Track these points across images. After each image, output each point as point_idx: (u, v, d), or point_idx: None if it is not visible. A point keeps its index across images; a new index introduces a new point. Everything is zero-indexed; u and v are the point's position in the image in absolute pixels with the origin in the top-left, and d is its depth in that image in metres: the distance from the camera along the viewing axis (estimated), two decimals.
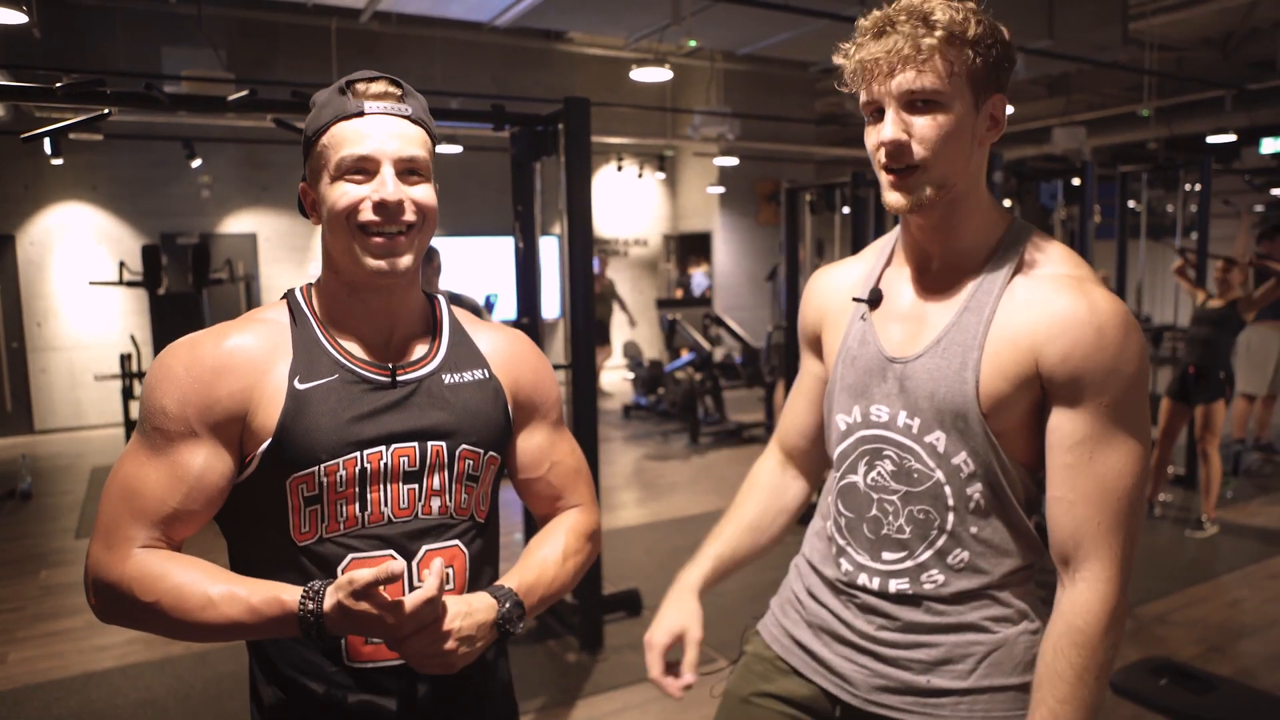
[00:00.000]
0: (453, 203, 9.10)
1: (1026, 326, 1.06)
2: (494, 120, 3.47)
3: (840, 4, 6.51)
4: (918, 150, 1.06)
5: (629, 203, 11.71)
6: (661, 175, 11.62)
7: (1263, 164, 11.04)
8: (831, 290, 1.31)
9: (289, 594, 0.96)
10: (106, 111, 2.97)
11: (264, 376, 1.03)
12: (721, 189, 11.41)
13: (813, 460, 1.42)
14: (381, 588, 0.92)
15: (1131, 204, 5.49)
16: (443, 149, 7.33)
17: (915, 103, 1.05)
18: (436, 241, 3.76)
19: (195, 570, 0.98)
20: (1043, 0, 7.60)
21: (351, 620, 0.93)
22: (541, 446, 1.24)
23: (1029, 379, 1.07)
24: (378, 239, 1.02)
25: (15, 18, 4.40)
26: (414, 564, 1.06)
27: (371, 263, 1.03)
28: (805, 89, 11.98)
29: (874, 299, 1.21)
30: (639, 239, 11.93)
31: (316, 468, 1.02)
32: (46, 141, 3.22)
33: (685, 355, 8.35)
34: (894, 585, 1.16)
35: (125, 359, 6.23)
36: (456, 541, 1.10)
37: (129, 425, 6.32)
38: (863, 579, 1.19)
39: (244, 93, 2.87)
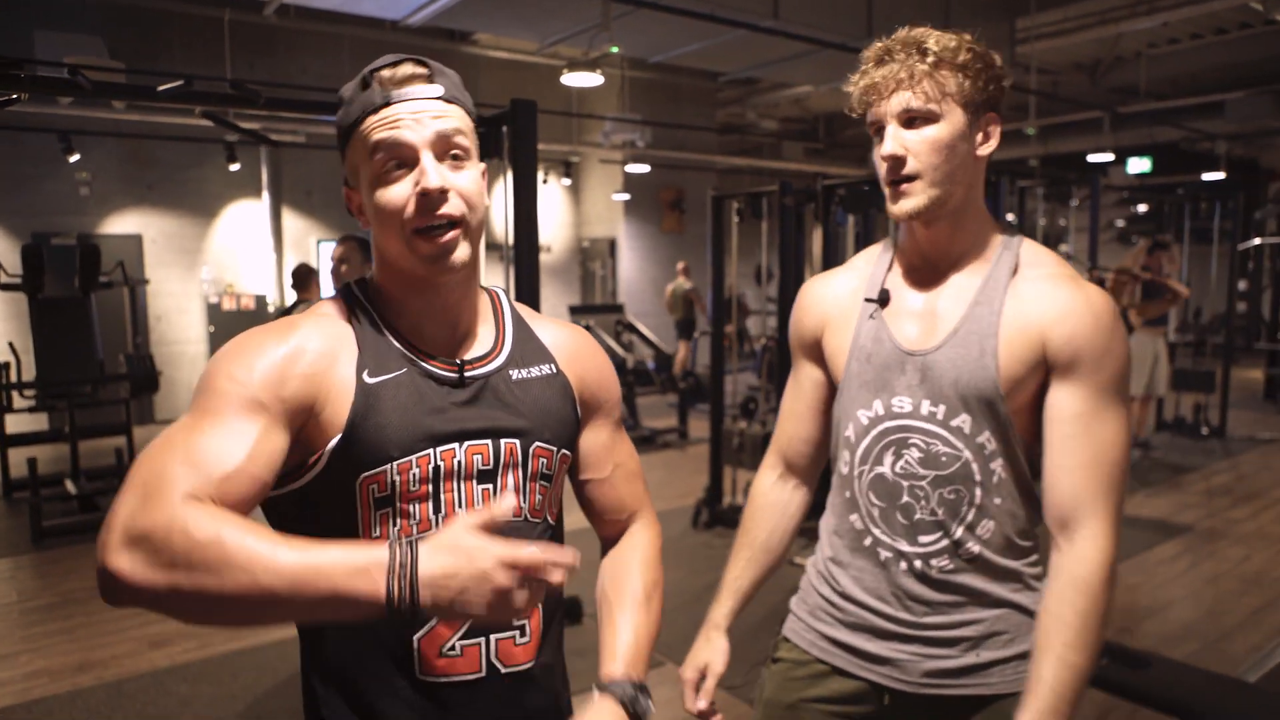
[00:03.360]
0: None
1: (1035, 316, 1.19)
2: None
3: (756, 15, 6.67)
4: (912, 163, 1.18)
5: None
6: (567, 181, 11.59)
7: (1127, 182, 11.93)
8: (829, 296, 1.37)
9: (378, 544, 0.82)
10: (15, 97, 2.74)
11: (331, 368, 0.97)
12: (627, 196, 11.47)
13: (815, 465, 1.45)
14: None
15: (1010, 216, 5.86)
16: None
17: (911, 120, 1.18)
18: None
19: (263, 527, 0.84)
20: (939, 23, 7.96)
21: (454, 557, 0.79)
22: (606, 446, 1.19)
23: (1038, 362, 1.18)
24: (427, 239, 0.96)
25: None
26: None
27: (427, 264, 0.98)
28: (708, 98, 12.19)
29: (884, 298, 1.28)
30: (542, 245, 11.85)
31: (389, 465, 0.96)
32: None
33: None
34: (935, 563, 1.24)
35: (3, 369, 5.74)
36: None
37: (4, 441, 5.83)
38: (903, 564, 1.25)
39: (178, 83, 2.70)
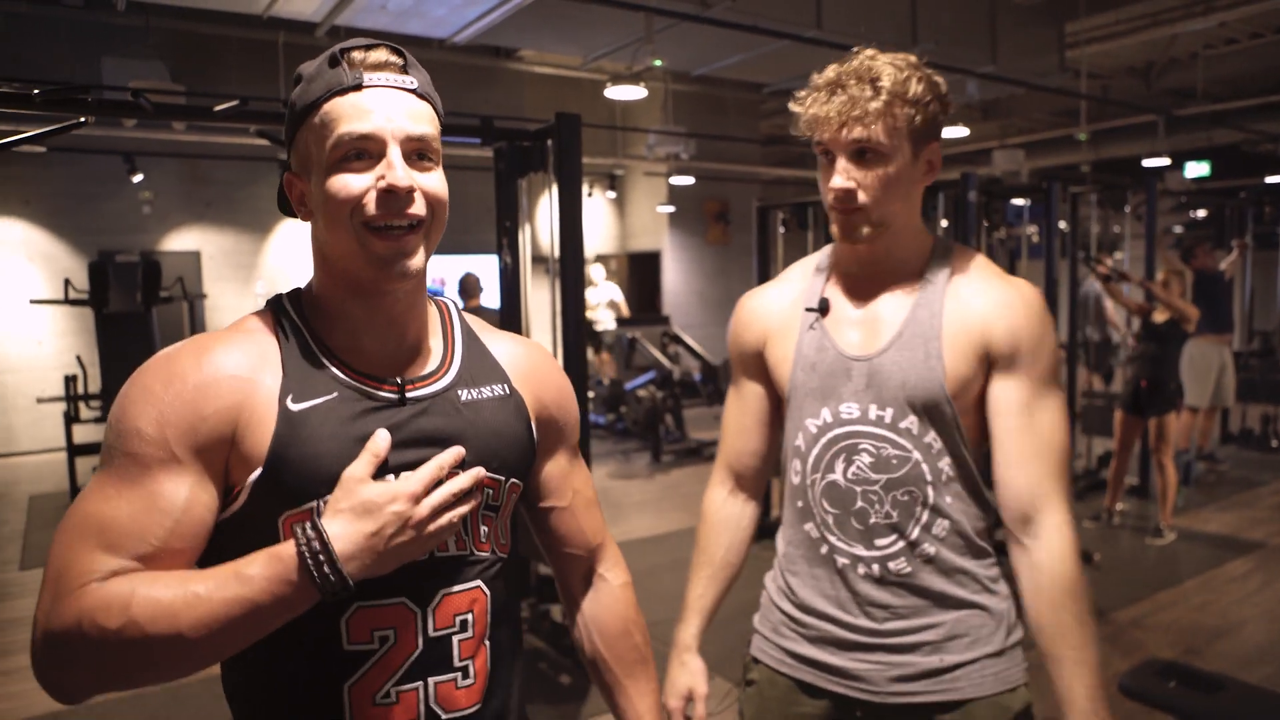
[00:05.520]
0: None
1: (975, 314, 1.23)
2: (482, 135, 3.43)
3: (799, 26, 6.65)
4: (862, 196, 1.21)
5: None
6: (613, 194, 11.65)
7: (1184, 187, 11.60)
8: (767, 310, 1.39)
9: (283, 546, 0.81)
10: (83, 120, 2.84)
11: (252, 394, 0.87)
12: (672, 208, 11.49)
13: (762, 478, 1.47)
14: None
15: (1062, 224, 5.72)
16: None
17: (861, 153, 1.19)
18: None
19: (167, 575, 0.80)
20: (986, 30, 7.89)
21: (365, 520, 0.81)
22: (565, 472, 1.11)
23: (981, 359, 1.23)
24: (383, 237, 0.88)
25: None
26: (429, 610, 0.91)
27: (378, 266, 0.89)
28: (751, 110, 12.18)
29: (824, 307, 1.31)
30: (587, 258, 11.93)
31: (315, 503, 0.86)
32: None
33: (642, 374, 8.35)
34: (893, 566, 1.25)
35: (70, 380, 5.94)
36: (478, 582, 0.96)
37: (71, 451, 6.02)
38: (861, 569, 1.26)
39: (233, 103, 2.78)
